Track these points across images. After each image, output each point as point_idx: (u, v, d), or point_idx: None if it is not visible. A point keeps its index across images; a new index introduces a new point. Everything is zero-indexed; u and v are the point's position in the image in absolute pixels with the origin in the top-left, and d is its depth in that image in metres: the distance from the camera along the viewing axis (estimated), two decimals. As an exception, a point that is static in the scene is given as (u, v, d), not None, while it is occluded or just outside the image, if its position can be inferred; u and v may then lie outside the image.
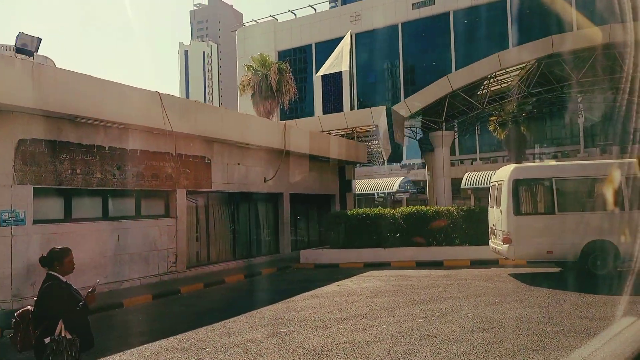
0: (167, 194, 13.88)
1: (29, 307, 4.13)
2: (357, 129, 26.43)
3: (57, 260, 4.14)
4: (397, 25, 55.51)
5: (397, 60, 56.22)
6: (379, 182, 43.20)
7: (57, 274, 4.12)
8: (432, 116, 21.71)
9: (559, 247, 11.63)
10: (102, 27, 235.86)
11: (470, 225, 15.74)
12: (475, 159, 46.42)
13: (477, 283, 11.88)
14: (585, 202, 11.86)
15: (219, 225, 15.89)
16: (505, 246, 12.03)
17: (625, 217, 11.52)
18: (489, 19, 48.15)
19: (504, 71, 21.36)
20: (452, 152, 45.69)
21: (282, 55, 64.47)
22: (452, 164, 32.03)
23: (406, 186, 43.82)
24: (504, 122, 28.80)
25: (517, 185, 11.94)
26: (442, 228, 16.21)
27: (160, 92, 12.88)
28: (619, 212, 11.57)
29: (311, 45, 65.25)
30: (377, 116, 23.00)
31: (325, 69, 32.72)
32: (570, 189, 11.97)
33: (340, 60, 32.01)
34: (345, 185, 32.25)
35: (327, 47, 53.32)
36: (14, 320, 4.06)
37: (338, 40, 54.65)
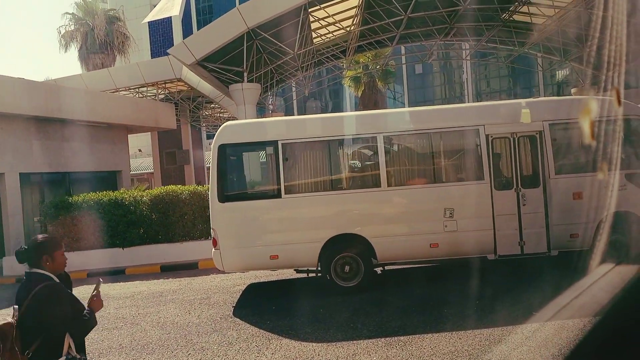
0: None
1: (10, 320, 2.88)
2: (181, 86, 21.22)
3: (46, 253, 3.01)
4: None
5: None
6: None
7: (47, 273, 3.00)
8: (239, 66, 17.01)
9: (288, 248, 7.42)
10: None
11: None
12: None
13: (170, 312, 7.51)
14: (325, 177, 7.65)
15: None
16: (213, 251, 7.68)
17: (381, 198, 7.48)
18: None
19: (327, 13, 16.92)
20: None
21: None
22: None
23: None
24: (357, 77, 24.78)
25: (226, 153, 7.49)
26: (202, 215, 11.73)
27: None
28: (372, 190, 7.50)
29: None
30: (179, 67, 17.83)
31: (154, 15, 26.85)
32: (305, 158, 7.68)
33: (172, 5, 26.25)
34: (181, 157, 27.21)
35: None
36: None
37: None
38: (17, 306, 2.98)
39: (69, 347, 3.00)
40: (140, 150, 34.36)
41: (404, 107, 37.52)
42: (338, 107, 45.23)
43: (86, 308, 3.14)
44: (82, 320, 3.08)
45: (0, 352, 2.88)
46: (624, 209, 7.18)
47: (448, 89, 49.72)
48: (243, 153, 7.84)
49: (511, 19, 19.28)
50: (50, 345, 2.95)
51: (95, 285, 3.23)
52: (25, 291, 2.99)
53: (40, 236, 3.18)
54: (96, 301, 3.17)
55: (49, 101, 13.88)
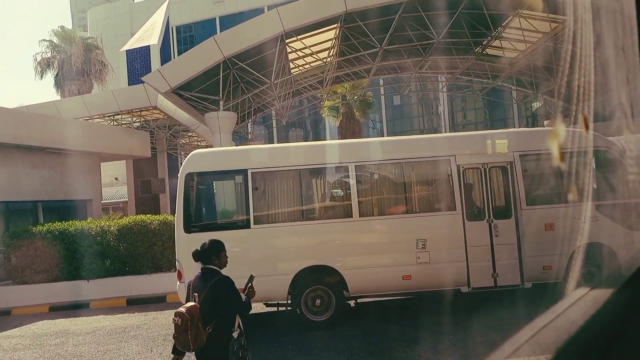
0: None
1: (194, 303, 3.72)
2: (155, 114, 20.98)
3: (215, 253, 3.95)
4: (263, 8, 50.40)
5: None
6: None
7: (217, 268, 3.92)
8: (216, 94, 16.94)
9: (256, 281, 7.14)
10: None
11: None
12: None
13: (132, 350, 7.12)
14: (296, 207, 7.48)
15: None
16: (178, 284, 7.38)
17: (353, 229, 7.34)
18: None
19: (303, 45, 17.04)
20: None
21: (140, 39, 57.06)
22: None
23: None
24: (335, 106, 24.96)
25: (193, 182, 7.28)
26: (172, 246, 11.37)
27: None
28: (343, 221, 7.35)
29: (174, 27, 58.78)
30: (155, 95, 17.66)
31: (132, 43, 26.77)
32: (275, 188, 7.52)
33: (150, 34, 26.23)
34: (157, 186, 26.73)
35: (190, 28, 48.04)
36: (179, 319, 3.60)
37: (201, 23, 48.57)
38: (196, 294, 3.79)
39: (240, 326, 3.88)
40: (116, 179, 33.75)
41: (382, 137, 37.82)
42: (319, 137, 45.51)
43: (244, 297, 3.99)
44: (245, 305, 3.97)
45: (189, 328, 3.60)
46: (594, 241, 7.16)
47: (426, 120, 50.45)
48: (211, 182, 7.64)
49: (484, 52, 19.74)
50: (224, 323, 3.78)
51: (249, 278, 4.20)
52: (203, 282, 3.82)
53: (208, 241, 4.03)
54: (252, 291, 4.11)
55: (17, 128, 13.51)
